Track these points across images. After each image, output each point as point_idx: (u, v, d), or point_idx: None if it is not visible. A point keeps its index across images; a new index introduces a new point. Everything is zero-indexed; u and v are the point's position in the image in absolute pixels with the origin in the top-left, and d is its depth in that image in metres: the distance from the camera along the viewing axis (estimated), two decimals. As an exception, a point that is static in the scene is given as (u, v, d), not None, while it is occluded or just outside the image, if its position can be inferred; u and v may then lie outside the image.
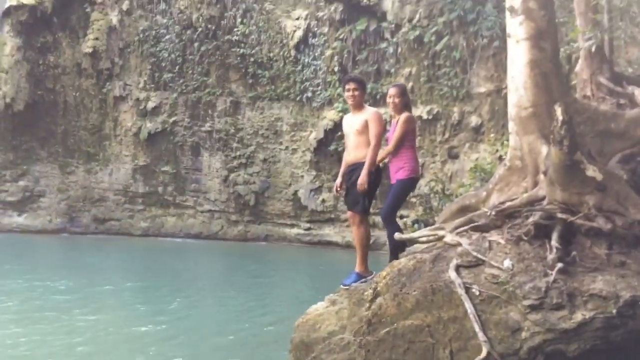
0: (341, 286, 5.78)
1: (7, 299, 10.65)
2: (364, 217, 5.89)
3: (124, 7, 20.99)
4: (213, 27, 20.43)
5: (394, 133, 5.99)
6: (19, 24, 20.45)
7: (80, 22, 21.12)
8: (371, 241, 6.30)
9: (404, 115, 5.99)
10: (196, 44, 20.65)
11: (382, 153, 6.01)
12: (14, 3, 20.19)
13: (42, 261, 16.14)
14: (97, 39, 20.91)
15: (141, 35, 20.99)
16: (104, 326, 9.14)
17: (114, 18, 21.00)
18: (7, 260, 15.04)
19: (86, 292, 11.62)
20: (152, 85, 21.19)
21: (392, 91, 6.13)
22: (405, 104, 6.08)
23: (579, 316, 4.38)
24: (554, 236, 4.86)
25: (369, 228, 6.02)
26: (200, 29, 20.47)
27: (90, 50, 20.89)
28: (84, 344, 8.08)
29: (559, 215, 4.93)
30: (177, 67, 20.91)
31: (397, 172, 5.98)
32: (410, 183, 6.03)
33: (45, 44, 21.11)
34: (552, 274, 4.56)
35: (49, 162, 21.63)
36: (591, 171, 4.93)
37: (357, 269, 5.87)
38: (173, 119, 21.14)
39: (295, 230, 20.49)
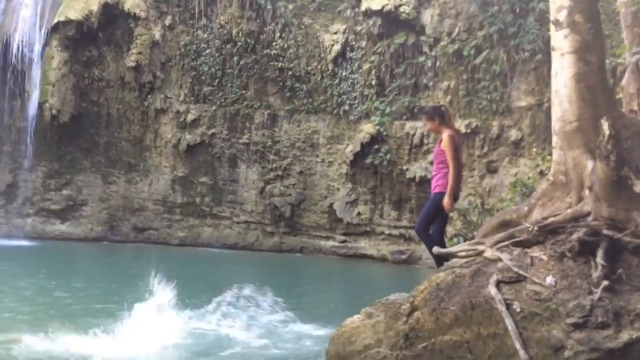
0: None
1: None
2: None
3: (167, 22, 21.52)
4: (252, 42, 20.72)
5: (448, 156, 6.13)
6: (66, 39, 21.12)
7: (125, 37, 21.70)
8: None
9: (445, 135, 6.16)
10: (235, 58, 20.97)
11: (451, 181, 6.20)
12: (62, 19, 20.91)
13: (88, 268, 16.59)
14: (140, 53, 21.45)
15: (182, 50, 21.44)
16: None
17: (157, 33, 21.52)
18: (60, 268, 15.45)
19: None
20: (192, 98, 21.59)
21: (422, 121, 6.56)
22: (440, 123, 6.21)
23: (625, 336, 4.25)
24: (599, 253, 4.73)
25: None
26: (239, 43, 20.79)
27: (133, 64, 21.43)
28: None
29: (605, 231, 4.81)
30: (216, 81, 21.26)
31: (434, 188, 6.15)
32: (439, 198, 6.14)
33: (91, 58, 21.75)
34: (597, 292, 4.44)
35: (91, 172, 22.19)
36: (639, 187, 4.80)
37: None
38: (212, 131, 21.47)
39: (330, 243, 20.46)
